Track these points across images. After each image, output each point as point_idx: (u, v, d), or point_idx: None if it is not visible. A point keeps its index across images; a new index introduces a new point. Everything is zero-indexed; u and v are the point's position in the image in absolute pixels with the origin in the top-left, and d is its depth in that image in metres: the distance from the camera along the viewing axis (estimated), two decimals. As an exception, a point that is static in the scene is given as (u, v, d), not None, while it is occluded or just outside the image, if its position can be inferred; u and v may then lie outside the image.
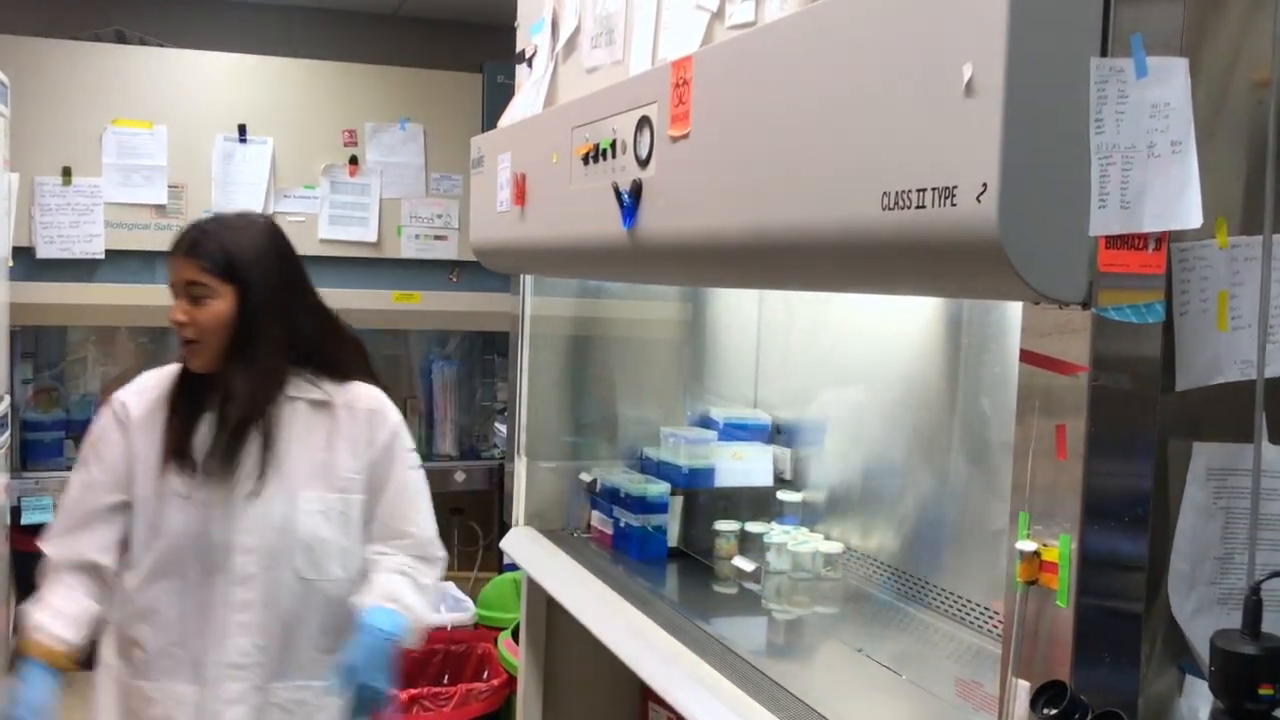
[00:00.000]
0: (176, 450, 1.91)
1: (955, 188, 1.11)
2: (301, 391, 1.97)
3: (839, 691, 1.96)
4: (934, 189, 1.14)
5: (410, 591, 1.94)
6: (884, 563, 2.49)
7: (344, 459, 1.96)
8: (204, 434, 1.92)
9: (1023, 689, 1.11)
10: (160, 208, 4.30)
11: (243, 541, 1.90)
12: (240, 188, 4.36)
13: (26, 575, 4.18)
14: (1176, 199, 1.10)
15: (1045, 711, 1.02)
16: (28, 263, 4.12)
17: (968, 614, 2.18)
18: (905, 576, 2.41)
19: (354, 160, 4.52)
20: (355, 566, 1.98)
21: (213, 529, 1.89)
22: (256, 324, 1.89)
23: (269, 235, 1.98)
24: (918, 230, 1.17)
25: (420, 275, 4.71)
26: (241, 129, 4.37)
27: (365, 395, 2.02)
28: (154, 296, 4.33)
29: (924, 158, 1.16)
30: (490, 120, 4.10)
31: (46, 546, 1.96)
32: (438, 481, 4.82)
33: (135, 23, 4.58)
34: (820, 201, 1.34)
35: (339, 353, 2.03)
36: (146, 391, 1.99)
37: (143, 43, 4.49)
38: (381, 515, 2.01)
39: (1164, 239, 1.12)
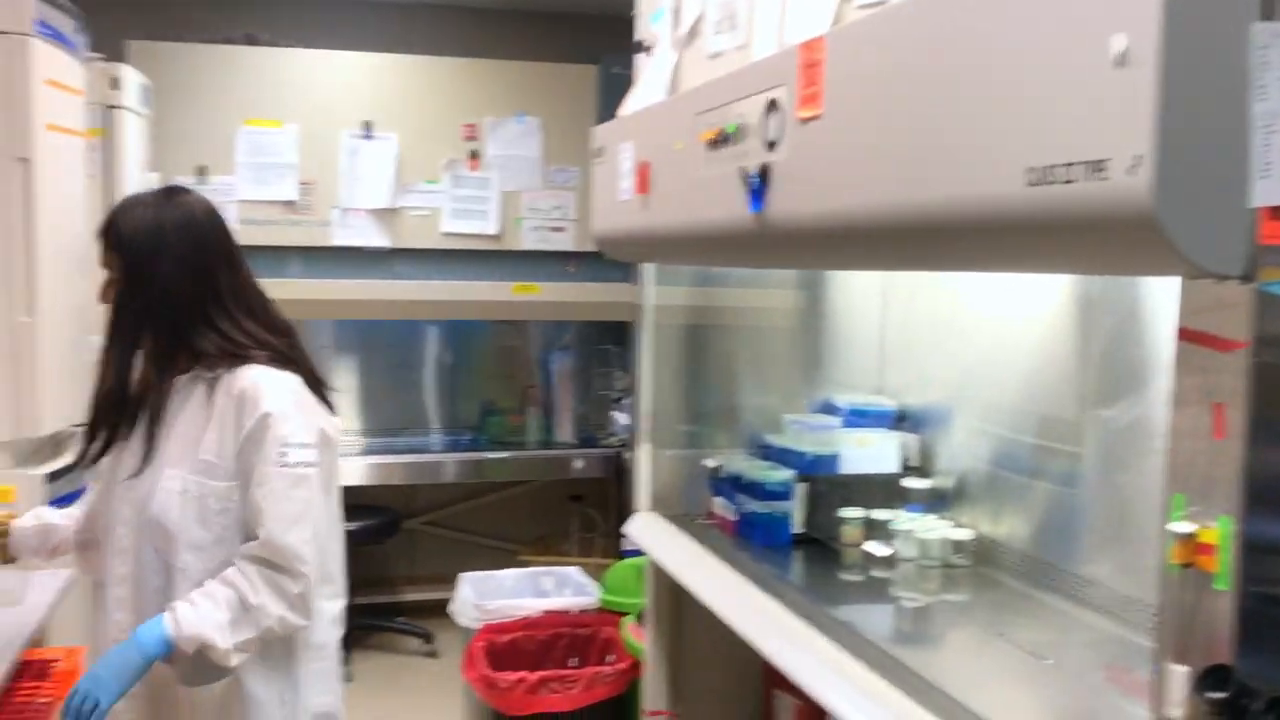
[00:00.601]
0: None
1: (1106, 161, 1.08)
2: (205, 371, 1.92)
3: (979, 678, 1.93)
4: (1083, 163, 1.11)
5: (212, 606, 1.80)
6: (1016, 549, 2.44)
7: (210, 441, 1.88)
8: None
9: (1179, 674, 1.08)
10: (291, 204, 4.44)
11: (120, 513, 1.93)
12: (366, 183, 4.48)
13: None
14: (1343, 168, 1.05)
15: (1210, 696, 0.99)
16: (168, 259, 4.28)
17: (1108, 601, 2.13)
18: (1039, 563, 2.36)
19: (474, 155, 4.61)
20: (217, 559, 1.86)
21: (107, 502, 1.96)
22: (128, 297, 1.91)
23: (173, 210, 1.95)
24: (1065, 206, 1.14)
25: (539, 267, 4.78)
26: (367, 125, 4.48)
27: (246, 377, 1.89)
28: (287, 290, 4.47)
29: (1071, 131, 1.14)
30: (606, 112, 4.12)
31: None
32: (557, 469, 4.96)
33: (265, 25, 4.74)
34: (961, 179, 1.32)
35: (241, 335, 1.92)
36: None
37: (272, 44, 4.64)
38: (246, 512, 1.87)
39: (1329, 209, 1.07)
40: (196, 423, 1.90)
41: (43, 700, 2.09)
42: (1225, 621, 1.09)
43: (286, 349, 1.97)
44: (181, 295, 1.90)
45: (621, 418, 4.90)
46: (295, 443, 1.86)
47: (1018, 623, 2.20)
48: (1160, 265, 1.07)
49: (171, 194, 2.01)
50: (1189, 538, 1.12)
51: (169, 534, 1.87)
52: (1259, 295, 1.07)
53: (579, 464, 4.95)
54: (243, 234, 4.29)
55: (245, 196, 4.38)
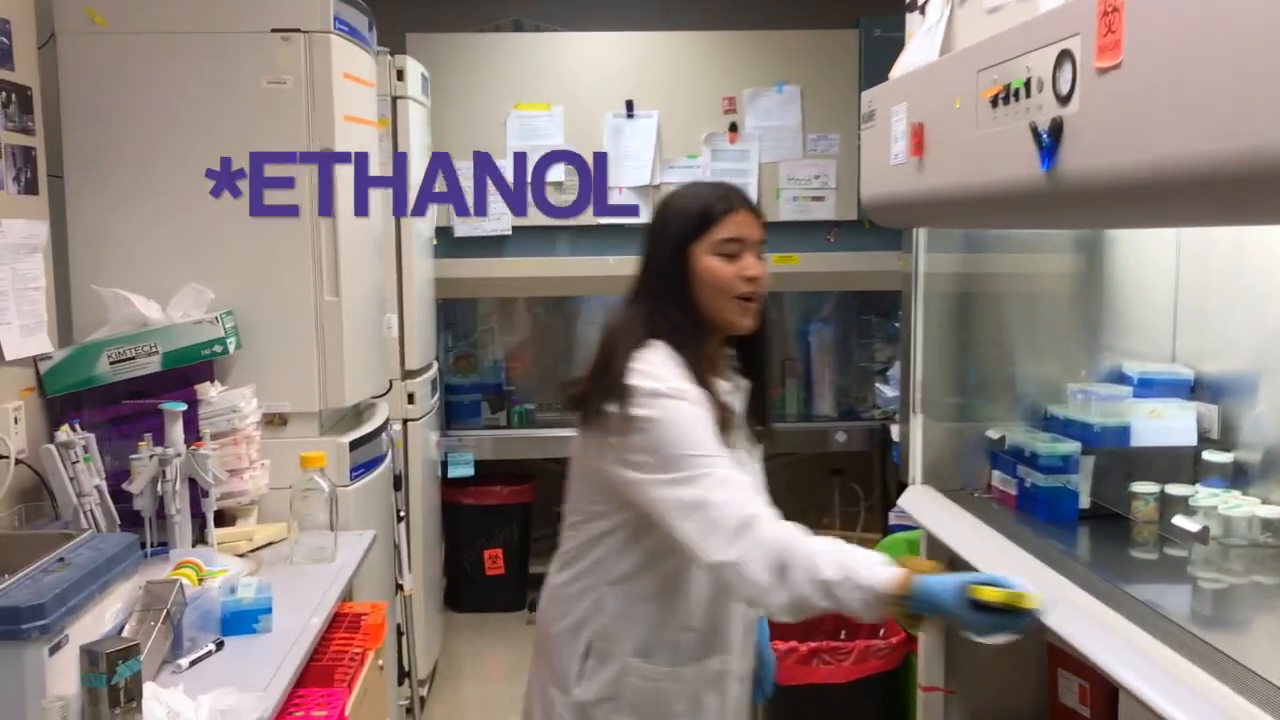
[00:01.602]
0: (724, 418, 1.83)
1: None
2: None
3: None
4: None
5: None
6: (1335, 529, 2.25)
7: None
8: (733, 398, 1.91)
9: None
10: (558, 184, 4.59)
11: None
12: (630, 161, 4.58)
13: (450, 522, 4.66)
14: None
15: None
16: (448, 241, 4.53)
17: None
18: (1364, 544, 2.16)
19: (733, 127, 4.62)
20: None
21: None
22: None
23: None
24: None
25: (797, 237, 4.75)
26: (629, 104, 4.57)
27: None
28: (551, 268, 4.67)
29: None
30: (868, 76, 4.05)
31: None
32: (818, 442, 4.92)
33: (532, 11, 4.92)
34: (1269, 125, 1.22)
35: None
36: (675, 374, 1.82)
37: (538, 29, 4.80)
38: None
39: None
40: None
41: (355, 650, 2.26)
42: None
43: None
44: None
45: (886, 390, 4.81)
46: None
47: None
48: None
49: None
50: None
51: None
52: None
53: (840, 437, 4.90)
54: (514, 216, 4.57)
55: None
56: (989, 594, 1.56)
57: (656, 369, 1.80)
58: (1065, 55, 1.73)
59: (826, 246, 4.76)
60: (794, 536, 1.67)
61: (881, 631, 3.21)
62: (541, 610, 2.01)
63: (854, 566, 1.62)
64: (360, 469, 2.98)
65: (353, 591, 2.62)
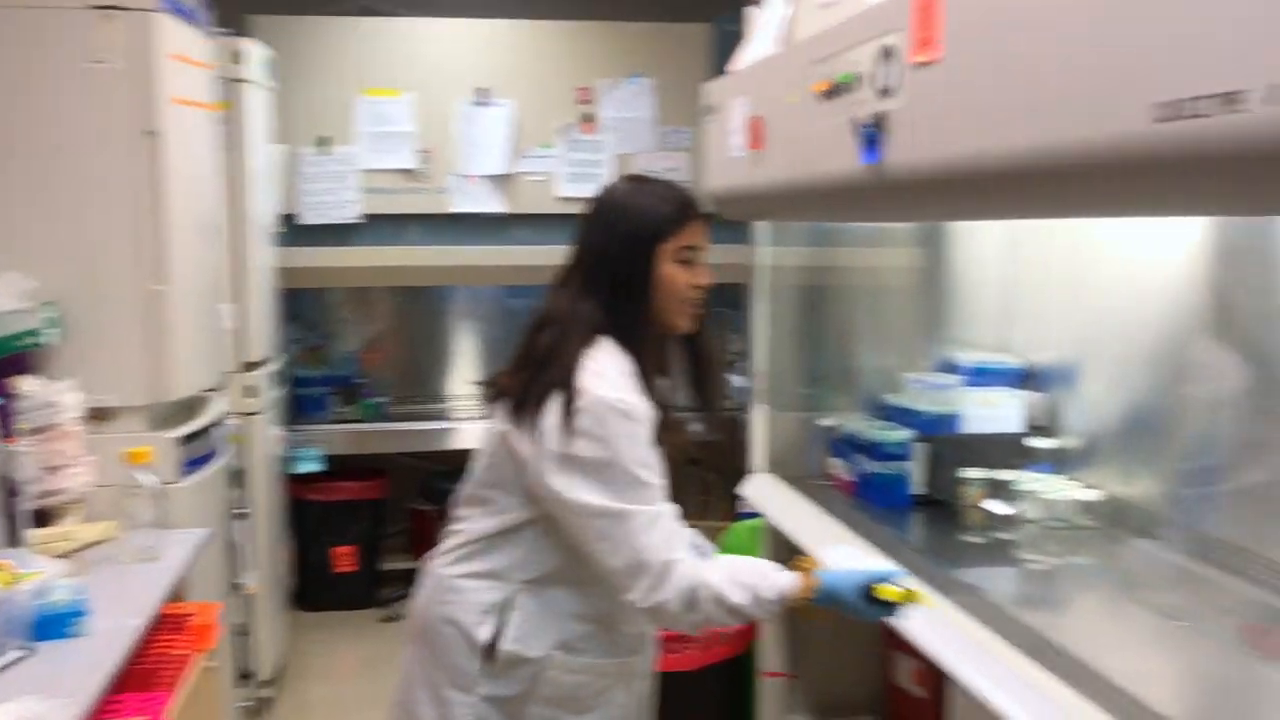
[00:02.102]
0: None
1: (1242, 92, 1.02)
2: None
3: (1107, 642, 1.87)
4: (1215, 95, 1.05)
5: None
6: (1149, 511, 2.35)
7: None
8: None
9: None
10: (409, 172, 4.51)
11: None
12: (483, 150, 4.53)
13: (298, 519, 4.54)
14: None
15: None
16: (293, 229, 4.41)
17: (1247, 564, 2.04)
18: (1175, 525, 2.26)
19: (588, 118, 4.61)
20: None
21: None
22: None
23: None
24: (1197, 142, 1.08)
25: (654, 229, 4.75)
26: (482, 92, 4.52)
27: None
28: (405, 258, 4.58)
29: (1202, 62, 1.07)
30: (720, 70, 4.07)
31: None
32: (674, 432, 4.93)
33: (380, -5, 4.81)
34: (1085, 119, 1.26)
35: None
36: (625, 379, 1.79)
37: (389, 14, 4.70)
38: None
39: None
40: None
41: (178, 652, 2.18)
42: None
43: None
44: None
45: (737, 380, 4.86)
46: None
47: (1149, 585, 2.12)
48: (1303, 201, 1.00)
49: None
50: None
51: None
52: None
53: (695, 427, 4.93)
54: (365, 203, 4.47)
55: (366, 166, 4.46)
56: (889, 593, 1.74)
57: (608, 372, 1.76)
58: (887, 51, 1.77)
59: (681, 239, 4.77)
60: (702, 571, 1.73)
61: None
62: (426, 604, 1.90)
63: (756, 585, 1.74)
64: (193, 464, 2.88)
65: (184, 592, 2.53)
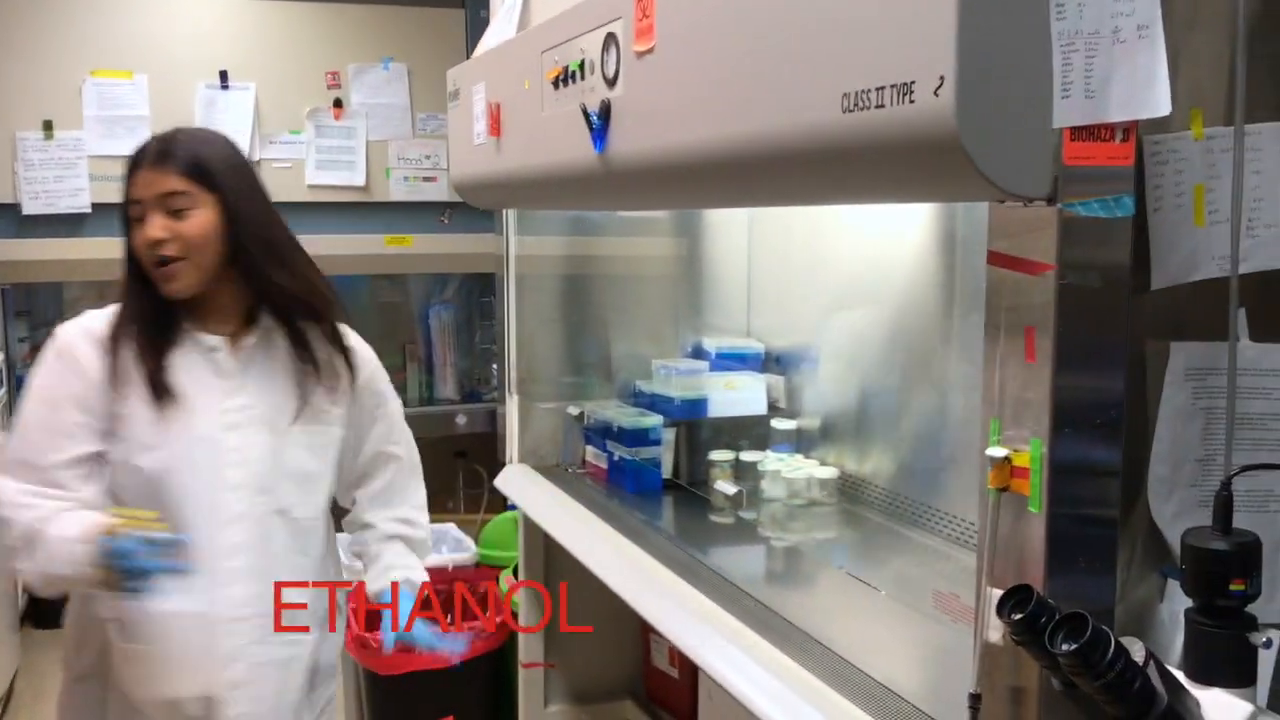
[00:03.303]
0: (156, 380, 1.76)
1: (913, 84, 1.06)
2: (279, 322, 1.87)
3: (822, 612, 1.96)
4: (892, 86, 1.09)
5: (416, 558, 2.07)
6: (881, 486, 2.47)
7: (320, 391, 1.89)
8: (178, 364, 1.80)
9: (996, 597, 1.08)
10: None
11: (224, 476, 1.80)
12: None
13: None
14: (1144, 87, 1.05)
15: (1012, 616, 1.00)
16: (14, 219, 4.09)
17: (965, 533, 2.16)
18: (902, 499, 2.39)
19: (338, 103, 4.46)
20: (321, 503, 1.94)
21: (185, 471, 1.79)
22: (248, 235, 1.78)
23: (236, 147, 1.87)
24: (878, 131, 1.12)
25: (411, 218, 4.66)
26: (223, 75, 4.31)
27: (347, 332, 1.96)
28: (143, 249, 4.32)
29: (881, 54, 1.11)
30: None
31: None
32: (440, 425, 4.88)
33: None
34: (783, 108, 1.29)
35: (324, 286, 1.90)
36: (94, 330, 1.80)
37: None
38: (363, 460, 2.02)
39: (1132, 130, 1.07)
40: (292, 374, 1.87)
41: None
42: (1038, 544, 1.10)
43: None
44: (282, 238, 1.86)
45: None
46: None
47: (877, 557, 2.22)
48: (967, 189, 1.06)
49: (212, 130, 1.94)
50: (1004, 462, 1.12)
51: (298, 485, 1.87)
52: (1064, 217, 1.06)
53: (462, 420, 4.89)
54: (94, 192, 4.19)
55: (96, 152, 4.17)
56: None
57: (85, 316, 1.82)
58: (611, 38, 1.77)
59: (440, 228, 4.71)
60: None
61: (485, 612, 3.22)
62: None
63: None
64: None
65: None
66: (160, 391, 1.77)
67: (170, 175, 1.74)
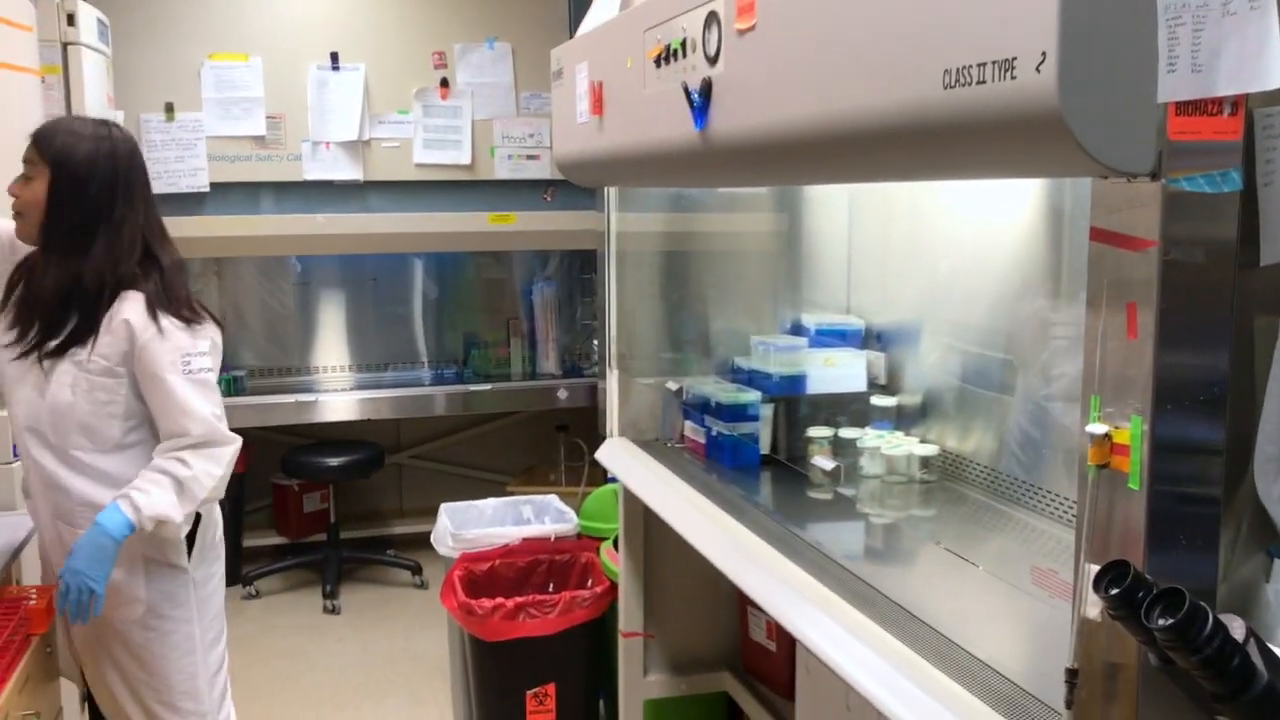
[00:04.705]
0: None
1: (1014, 60, 1.06)
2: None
3: (920, 587, 1.96)
4: (994, 63, 1.09)
5: (160, 489, 2.17)
6: (983, 464, 2.45)
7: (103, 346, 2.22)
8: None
9: (1094, 573, 1.08)
10: (260, 139, 4.40)
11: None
12: (335, 115, 4.43)
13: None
14: (1254, 59, 1.03)
15: (1109, 591, 1.00)
16: (138, 199, 4.25)
17: (1069, 512, 2.14)
18: (1004, 477, 2.36)
19: (445, 83, 4.55)
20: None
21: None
22: (66, 211, 2.16)
23: (109, 143, 2.22)
24: (979, 107, 1.12)
25: (515, 196, 4.73)
26: (334, 56, 4.42)
27: (133, 299, 2.25)
28: (260, 226, 4.47)
29: (983, 31, 1.11)
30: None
31: None
32: (542, 399, 4.97)
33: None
34: (883, 86, 1.30)
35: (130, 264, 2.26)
36: None
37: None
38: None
39: (1240, 103, 1.05)
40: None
41: (9, 636, 2.11)
42: (1138, 521, 1.09)
43: (167, 283, 2.29)
44: (98, 219, 2.20)
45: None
46: (195, 352, 2.23)
47: (978, 535, 2.21)
48: (1070, 165, 1.05)
49: (104, 125, 2.29)
50: (1104, 438, 1.12)
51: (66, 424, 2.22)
52: (1169, 192, 1.05)
53: (563, 394, 4.96)
54: (213, 171, 4.34)
55: (214, 132, 4.33)
56: None
57: None
58: (713, 16, 1.79)
59: (543, 205, 4.77)
60: None
61: (589, 582, 3.28)
62: None
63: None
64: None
65: (18, 576, 2.45)
66: None
67: (30, 147, 2.20)
